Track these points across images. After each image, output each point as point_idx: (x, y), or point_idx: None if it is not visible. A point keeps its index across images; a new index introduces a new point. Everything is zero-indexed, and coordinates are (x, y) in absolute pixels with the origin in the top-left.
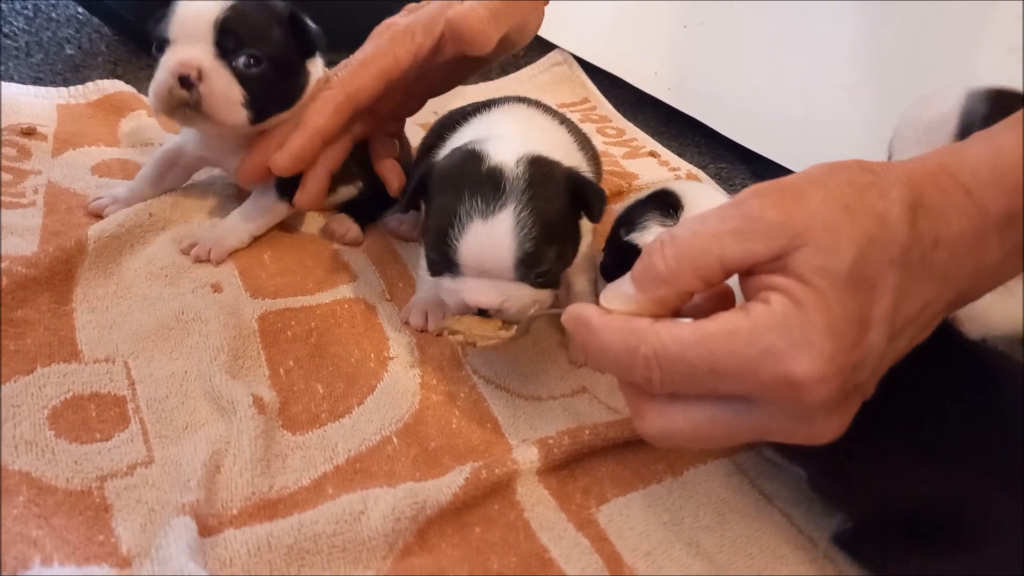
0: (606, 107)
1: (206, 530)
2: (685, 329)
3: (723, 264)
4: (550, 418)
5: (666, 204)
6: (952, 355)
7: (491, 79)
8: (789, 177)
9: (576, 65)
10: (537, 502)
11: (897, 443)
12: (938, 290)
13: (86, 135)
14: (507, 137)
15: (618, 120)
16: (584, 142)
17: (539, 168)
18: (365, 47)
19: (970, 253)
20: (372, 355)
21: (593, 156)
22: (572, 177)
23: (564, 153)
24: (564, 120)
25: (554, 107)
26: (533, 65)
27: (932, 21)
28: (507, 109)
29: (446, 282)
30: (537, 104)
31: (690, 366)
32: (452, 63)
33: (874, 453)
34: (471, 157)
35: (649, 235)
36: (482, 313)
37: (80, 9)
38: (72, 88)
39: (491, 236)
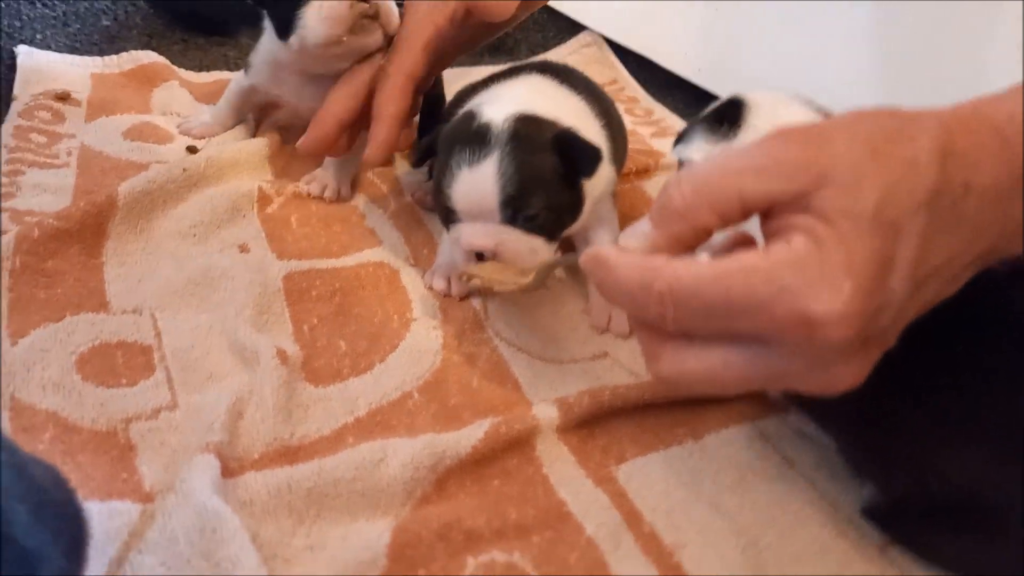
0: (635, 88)
1: (228, 472)
2: (702, 266)
3: (742, 200)
4: (571, 380)
5: (722, 118)
6: (998, 323)
7: (520, 59)
8: (816, 123)
9: (605, 46)
10: (556, 458)
11: (934, 416)
12: (967, 240)
13: (119, 102)
14: (506, 100)
15: (647, 101)
16: (606, 112)
17: (525, 124)
18: (404, 24)
19: (1002, 203)
20: (395, 316)
21: (616, 127)
22: (560, 134)
23: (574, 119)
24: (587, 89)
25: (582, 76)
26: (563, 46)
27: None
28: (521, 78)
29: (451, 232)
30: (560, 72)
31: (705, 303)
32: (476, 26)
33: (908, 425)
34: (466, 118)
35: (691, 150)
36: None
37: None
38: (107, 58)
39: (476, 181)
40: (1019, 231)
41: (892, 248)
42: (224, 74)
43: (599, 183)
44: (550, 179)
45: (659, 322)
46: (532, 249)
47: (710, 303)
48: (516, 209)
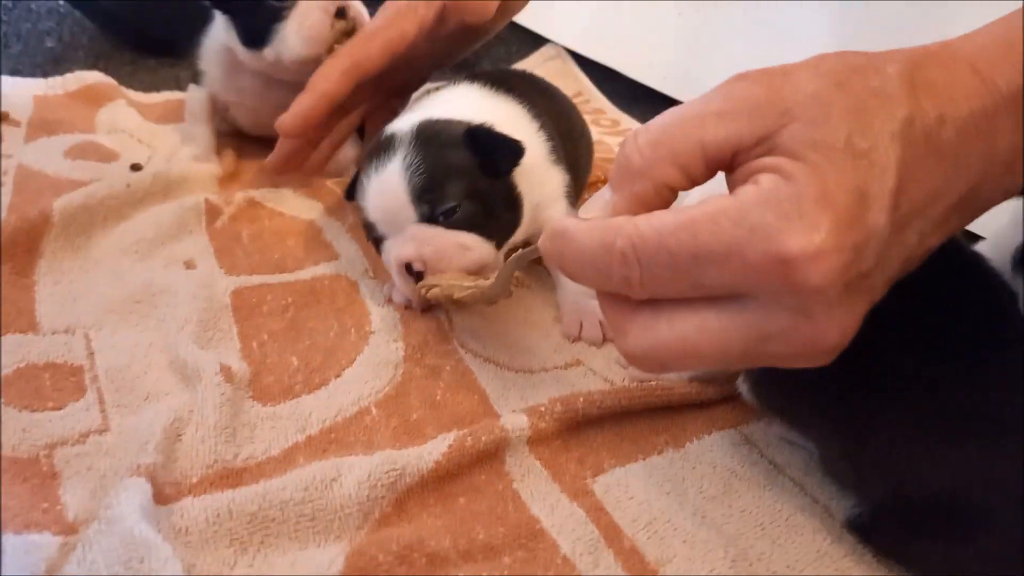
0: (600, 100)
1: (162, 498)
2: (666, 216)
3: (704, 149)
4: (542, 389)
5: None
6: (968, 323)
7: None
8: (775, 66)
9: (569, 59)
10: (528, 472)
11: (905, 419)
12: (947, 176)
13: (62, 122)
14: (419, 111)
15: (613, 112)
16: (554, 115)
17: (430, 126)
18: (373, 21)
19: (980, 135)
20: (353, 329)
21: (570, 131)
22: (472, 129)
23: (500, 121)
24: (527, 94)
25: (530, 81)
26: (526, 60)
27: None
28: (447, 89)
29: (383, 256)
30: (497, 79)
31: (671, 255)
32: (454, 35)
33: (881, 429)
34: (376, 137)
35: None
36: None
37: (62, 1)
38: (51, 79)
39: (383, 183)
40: (1003, 170)
41: (867, 180)
42: (175, 94)
43: (543, 184)
44: (464, 170)
45: (625, 288)
46: (462, 246)
47: (677, 254)
48: (431, 203)
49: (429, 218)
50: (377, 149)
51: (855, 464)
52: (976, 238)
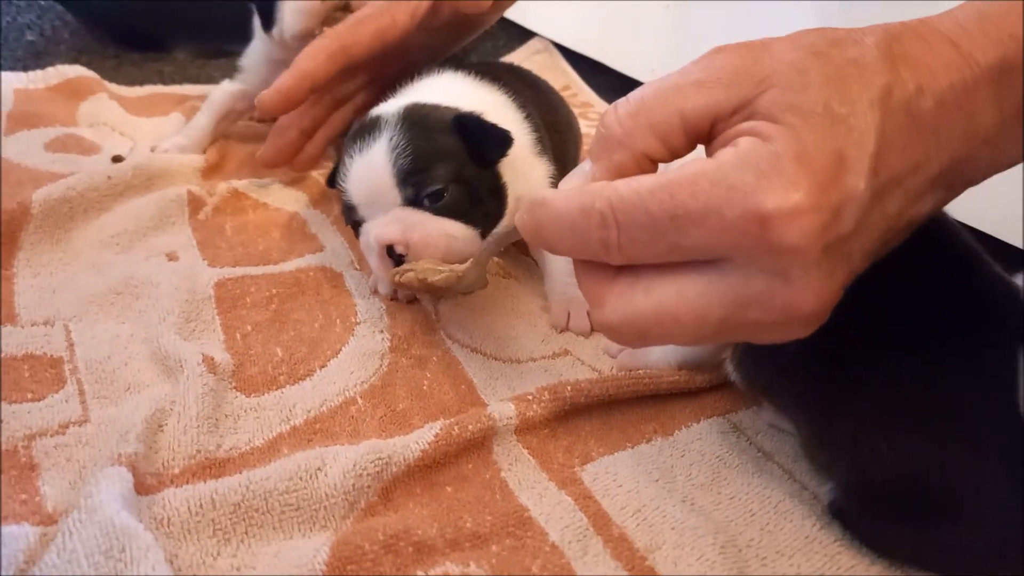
0: (588, 93)
1: (144, 488)
2: (645, 178)
3: (683, 118)
4: (530, 379)
5: None
6: (949, 306)
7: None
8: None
9: (556, 53)
10: (515, 461)
11: (871, 402)
12: (927, 147)
13: (43, 116)
14: (404, 97)
15: (600, 105)
16: (541, 106)
17: (417, 109)
18: (366, 7)
19: (959, 108)
20: (338, 320)
21: (556, 122)
22: (461, 115)
23: (486, 109)
24: (513, 84)
25: (516, 72)
26: (513, 54)
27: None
28: (431, 76)
29: (361, 241)
30: (482, 69)
31: (650, 216)
32: (449, 27)
33: (856, 412)
34: (360, 120)
35: None
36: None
37: None
38: (32, 73)
39: (367, 164)
40: (984, 146)
41: (846, 143)
42: (159, 88)
43: (527, 175)
44: (452, 154)
45: (603, 253)
46: (448, 234)
47: (655, 215)
48: (417, 185)
49: (414, 201)
50: (361, 131)
51: (827, 444)
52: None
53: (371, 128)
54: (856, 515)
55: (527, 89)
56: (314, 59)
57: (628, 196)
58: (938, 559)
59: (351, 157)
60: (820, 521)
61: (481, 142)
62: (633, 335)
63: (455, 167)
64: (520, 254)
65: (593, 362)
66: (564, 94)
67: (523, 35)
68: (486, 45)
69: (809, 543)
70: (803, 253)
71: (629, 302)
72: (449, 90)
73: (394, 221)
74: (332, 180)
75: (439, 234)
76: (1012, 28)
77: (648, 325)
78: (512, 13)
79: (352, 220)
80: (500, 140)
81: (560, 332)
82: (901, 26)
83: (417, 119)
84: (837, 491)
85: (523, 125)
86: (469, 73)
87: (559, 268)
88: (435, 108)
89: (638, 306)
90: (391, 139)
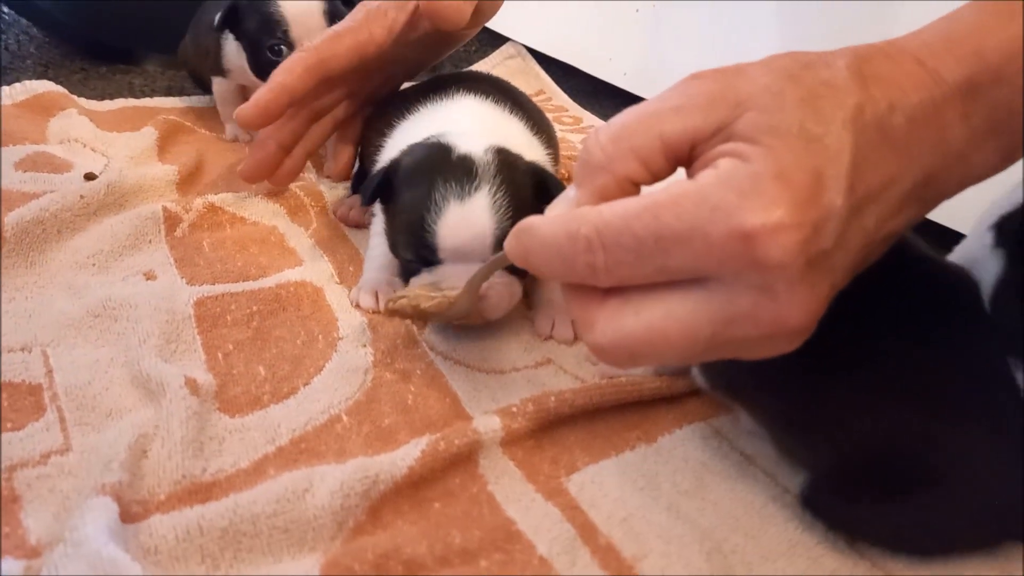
0: (562, 97)
1: (129, 516)
2: (629, 201)
3: (663, 142)
4: (513, 390)
5: None
6: (906, 284)
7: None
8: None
9: (529, 57)
10: (502, 474)
11: (839, 380)
12: (900, 163)
13: (12, 134)
14: (468, 131)
15: (575, 109)
16: (539, 126)
17: (506, 157)
18: (343, 22)
19: (929, 125)
20: (320, 336)
21: (549, 139)
22: (535, 169)
23: (521, 139)
24: (518, 105)
25: (509, 89)
26: (486, 59)
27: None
28: (459, 101)
29: (426, 276)
30: (491, 89)
31: (636, 238)
32: (427, 41)
33: (835, 394)
34: (439, 149)
35: None
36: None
37: (6, 9)
38: None
39: (468, 216)
40: (956, 161)
41: (822, 162)
42: (130, 101)
43: None
44: (532, 213)
45: (591, 276)
46: (513, 294)
47: (641, 237)
48: None
49: None
50: (454, 169)
51: (800, 434)
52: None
53: (467, 171)
54: (832, 503)
55: (526, 110)
56: (291, 72)
57: (613, 220)
58: (919, 536)
59: (446, 199)
60: (803, 524)
61: (549, 197)
62: (624, 356)
63: None
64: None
65: (576, 370)
66: (538, 99)
67: (495, 40)
68: (458, 50)
69: (793, 547)
70: (787, 268)
71: (619, 324)
72: (477, 118)
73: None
74: (375, 196)
75: (509, 293)
76: (976, 47)
77: (639, 346)
78: None
79: (423, 258)
80: (559, 191)
81: (544, 339)
82: (869, 47)
83: (509, 172)
84: (811, 481)
85: (540, 150)
86: (486, 98)
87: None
88: (516, 159)
89: (628, 328)
90: (493, 194)
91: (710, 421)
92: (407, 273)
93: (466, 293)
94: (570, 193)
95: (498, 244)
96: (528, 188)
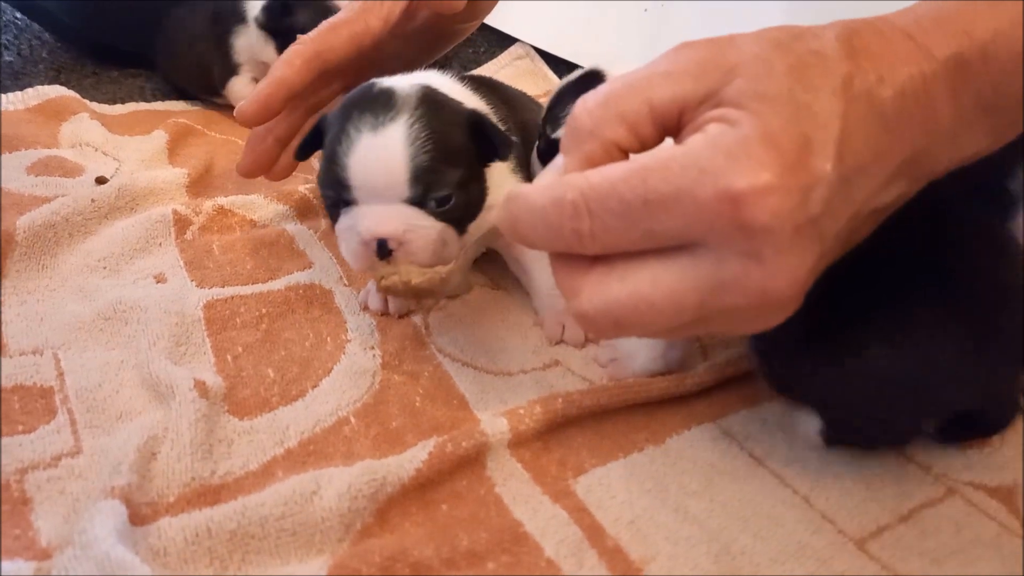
0: None
1: (139, 519)
2: (616, 166)
3: (652, 108)
4: (521, 391)
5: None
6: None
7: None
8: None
9: (538, 58)
10: (509, 476)
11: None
12: (890, 136)
13: (24, 138)
14: (408, 77)
15: None
16: (516, 120)
17: (434, 95)
18: (339, 14)
19: (918, 100)
20: (328, 339)
21: (527, 135)
22: (474, 114)
23: (470, 103)
24: (492, 90)
25: (490, 82)
26: (494, 60)
27: None
28: (418, 74)
29: (343, 220)
30: (467, 78)
31: (622, 202)
32: (425, 33)
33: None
34: (363, 88)
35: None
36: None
37: (19, 14)
38: (10, 94)
39: (382, 147)
40: (946, 140)
41: (810, 128)
42: (141, 105)
43: (500, 188)
44: (464, 155)
45: (577, 243)
46: (444, 241)
47: (627, 201)
48: (428, 185)
49: (419, 201)
50: (370, 101)
51: (804, 376)
52: None
53: (385, 103)
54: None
55: (503, 105)
56: (290, 66)
57: (600, 184)
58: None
59: (358, 130)
60: (812, 526)
61: (490, 145)
62: (609, 324)
63: (465, 172)
64: (506, 266)
65: (584, 372)
66: (546, 99)
67: (504, 41)
68: (467, 51)
69: (802, 548)
70: (775, 233)
71: (605, 291)
72: (445, 86)
73: (396, 218)
74: (306, 151)
75: (435, 237)
76: (967, 25)
77: (624, 313)
78: (492, 19)
79: (338, 197)
80: (507, 143)
81: (555, 344)
82: (860, 22)
83: (435, 107)
84: (825, 421)
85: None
86: (452, 77)
87: (544, 283)
88: (448, 99)
89: (614, 294)
90: (410, 125)
91: (719, 422)
92: (333, 220)
93: (457, 269)
94: (558, 161)
95: (418, 181)
96: (459, 129)
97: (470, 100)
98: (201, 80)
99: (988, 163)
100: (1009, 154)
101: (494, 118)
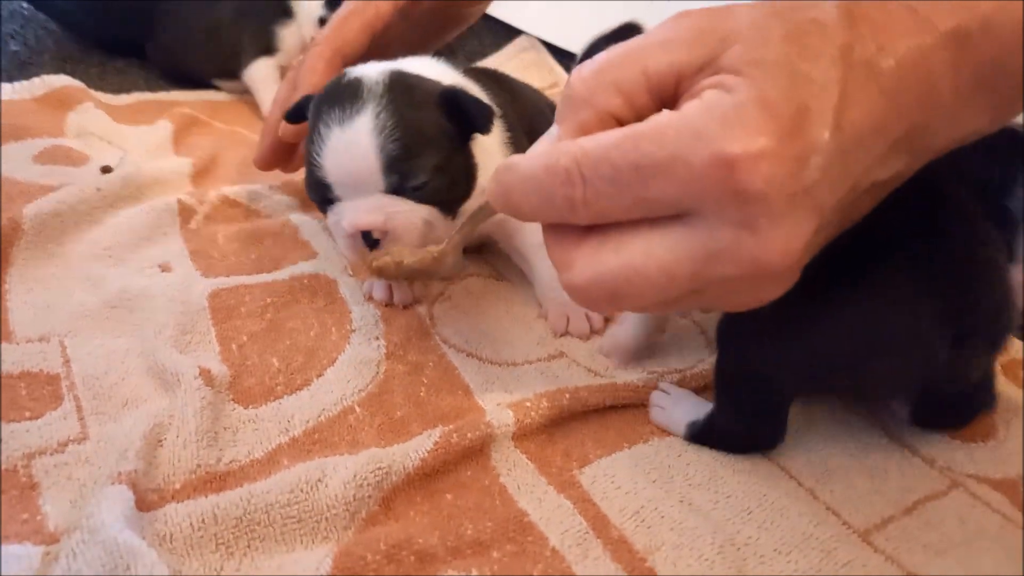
0: None
1: (145, 505)
2: (609, 133)
3: (647, 76)
4: (526, 382)
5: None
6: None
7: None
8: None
9: (543, 50)
10: (514, 466)
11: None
12: (889, 107)
13: (30, 128)
14: (381, 64)
15: None
16: (516, 107)
17: (402, 79)
18: (345, 5)
19: (917, 72)
20: (333, 328)
21: (527, 123)
22: (446, 90)
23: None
24: (487, 79)
25: (493, 73)
26: (500, 52)
27: None
28: (404, 59)
29: (330, 218)
30: (465, 68)
31: (615, 167)
32: (431, 17)
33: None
34: (333, 81)
35: None
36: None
37: (25, 4)
38: (16, 84)
39: (351, 142)
40: (946, 116)
41: (808, 96)
42: (146, 95)
43: (492, 168)
44: (437, 137)
45: (569, 211)
46: (426, 222)
47: (620, 167)
48: (402, 174)
49: (397, 190)
50: (339, 95)
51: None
52: None
53: (352, 95)
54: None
55: (502, 92)
56: (315, 71)
57: (592, 150)
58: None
59: (328, 127)
60: (816, 518)
61: (467, 118)
62: (602, 296)
63: (439, 154)
64: (509, 256)
65: (589, 363)
66: (552, 92)
67: (509, 33)
68: (472, 44)
69: (806, 539)
70: (769, 201)
71: (597, 262)
72: (424, 70)
73: (375, 209)
74: (293, 116)
75: (420, 223)
76: None
77: (617, 284)
78: (498, 11)
79: (322, 197)
80: (486, 114)
81: (560, 336)
82: None
83: (403, 91)
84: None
85: (497, 120)
86: (443, 62)
87: (547, 274)
88: (420, 79)
89: (607, 265)
90: (377, 115)
91: None
92: (320, 205)
93: (450, 249)
94: (553, 131)
95: (390, 170)
96: (432, 108)
97: (453, 78)
98: (218, 64)
99: (988, 182)
100: (1009, 174)
101: (483, 97)
